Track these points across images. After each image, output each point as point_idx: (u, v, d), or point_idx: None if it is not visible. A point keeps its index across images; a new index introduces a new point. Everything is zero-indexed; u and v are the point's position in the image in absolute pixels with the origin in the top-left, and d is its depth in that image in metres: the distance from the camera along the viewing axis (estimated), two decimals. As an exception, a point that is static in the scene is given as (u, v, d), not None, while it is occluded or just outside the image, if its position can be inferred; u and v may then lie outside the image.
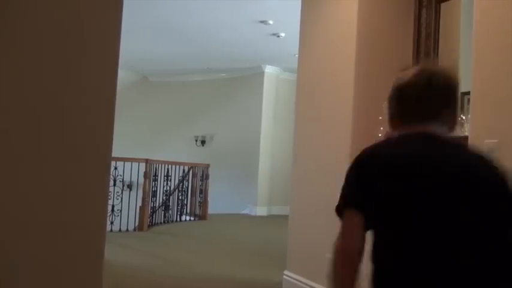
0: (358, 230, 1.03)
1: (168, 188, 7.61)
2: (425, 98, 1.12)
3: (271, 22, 6.58)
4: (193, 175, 8.31)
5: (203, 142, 10.25)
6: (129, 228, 6.63)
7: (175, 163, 7.80)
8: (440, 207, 0.97)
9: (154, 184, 7.21)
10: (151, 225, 7.07)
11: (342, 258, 1.01)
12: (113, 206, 6.33)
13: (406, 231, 0.99)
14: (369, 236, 1.05)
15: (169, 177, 7.58)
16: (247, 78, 9.67)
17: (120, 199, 6.39)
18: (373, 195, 1.02)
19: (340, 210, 1.08)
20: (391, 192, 1.01)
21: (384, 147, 1.14)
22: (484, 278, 0.94)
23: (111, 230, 6.22)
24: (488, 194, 1.00)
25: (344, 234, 1.04)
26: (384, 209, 1.01)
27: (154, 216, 7.28)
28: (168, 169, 7.56)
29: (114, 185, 6.23)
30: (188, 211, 8.20)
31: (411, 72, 1.15)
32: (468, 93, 2.30)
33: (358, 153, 1.16)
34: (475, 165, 1.05)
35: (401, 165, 1.04)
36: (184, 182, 8.11)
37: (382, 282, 1.00)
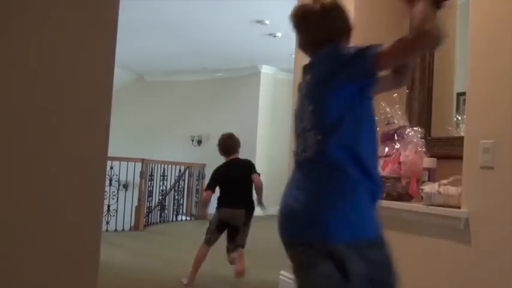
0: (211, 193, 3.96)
1: (164, 187, 7.61)
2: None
3: (267, 22, 6.59)
4: (190, 175, 8.31)
5: (199, 142, 10.23)
6: (124, 228, 6.62)
7: (172, 163, 7.79)
8: (233, 181, 3.91)
9: (151, 184, 7.21)
10: (147, 225, 7.06)
11: (206, 199, 4.04)
12: (108, 206, 6.33)
13: (226, 188, 3.93)
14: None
15: (166, 177, 7.58)
16: (244, 78, 9.66)
17: (116, 199, 6.39)
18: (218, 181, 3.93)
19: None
20: (224, 180, 3.94)
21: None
22: (245, 196, 3.96)
23: (107, 230, 6.22)
24: (244, 174, 3.94)
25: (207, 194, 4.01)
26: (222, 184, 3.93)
27: (150, 216, 7.27)
28: (164, 169, 7.56)
29: (110, 184, 6.23)
30: (184, 211, 8.20)
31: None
32: (464, 93, 2.31)
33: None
34: (243, 165, 4.03)
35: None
36: (181, 181, 8.11)
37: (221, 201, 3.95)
